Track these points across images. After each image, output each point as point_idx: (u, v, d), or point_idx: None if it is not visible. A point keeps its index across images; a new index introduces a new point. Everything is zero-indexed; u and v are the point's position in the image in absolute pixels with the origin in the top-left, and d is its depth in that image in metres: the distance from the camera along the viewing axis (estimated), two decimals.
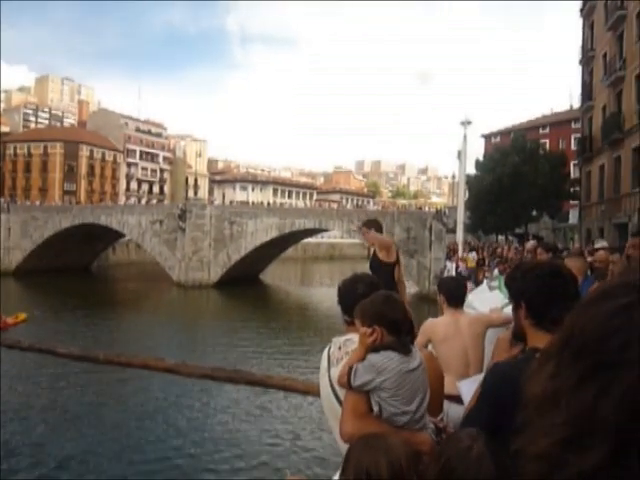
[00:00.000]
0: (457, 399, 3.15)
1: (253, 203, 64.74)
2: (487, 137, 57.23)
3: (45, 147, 74.24)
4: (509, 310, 3.62)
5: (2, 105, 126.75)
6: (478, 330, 3.46)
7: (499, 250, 18.38)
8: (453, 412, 3.13)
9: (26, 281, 42.46)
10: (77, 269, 48.49)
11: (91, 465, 9.93)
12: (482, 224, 36.82)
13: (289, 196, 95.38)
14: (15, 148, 75.44)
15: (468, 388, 2.09)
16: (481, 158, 40.31)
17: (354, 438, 1.79)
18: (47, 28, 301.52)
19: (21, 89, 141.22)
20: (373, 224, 4.71)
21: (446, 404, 3.04)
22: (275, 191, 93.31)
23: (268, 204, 61.28)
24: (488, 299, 3.94)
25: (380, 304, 1.88)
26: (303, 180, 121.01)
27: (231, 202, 67.95)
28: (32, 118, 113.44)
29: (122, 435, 11.35)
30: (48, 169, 73.65)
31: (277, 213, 44.01)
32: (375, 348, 1.84)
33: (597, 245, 7.29)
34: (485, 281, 7.85)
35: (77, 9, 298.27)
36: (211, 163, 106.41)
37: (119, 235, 49.81)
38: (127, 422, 12.13)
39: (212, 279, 40.96)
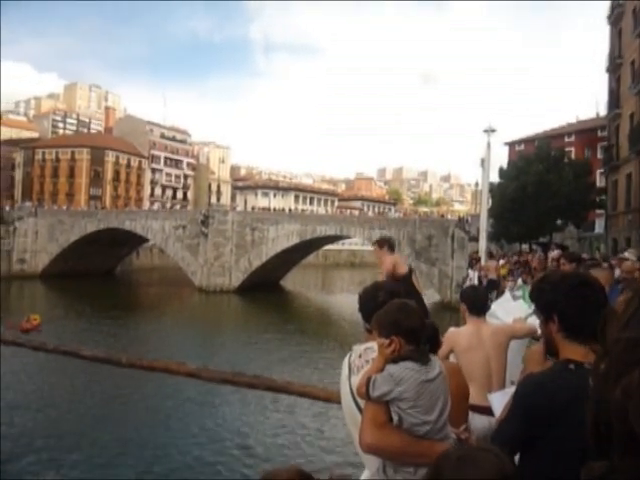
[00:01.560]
0: (480, 409, 3.11)
1: (275, 209, 65.05)
2: (511, 145, 56.51)
3: (72, 153, 76.02)
4: (533, 320, 3.57)
5: (32, 112, 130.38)
6: (501, 340, 3.43)
7: (523, 259, 18.08)
8: (477, 423, 3.09)
9: (52, 284, 43.42)
10: (101, 273, 49.41)
11: (110, 466, 10.06)
12: (505, 232, 36.28)
13: (310, 203, 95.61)
14: (44, 153, 77.43)
15: (499, 400, 2.06)
16: (505, 166, 39.82)
17: (373, 448, 1.78)
18: (76, 36, 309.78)
19: (50, 96, 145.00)
20: (385, 243, 4.72)
21: (470, 415, 3.00)
22: (297, 197, 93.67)
23: (290, 210, 61.53)
24: (512, 309, 3.89)
25: (395, 312, 1.87)
26: (324, 187, 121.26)
27: (253, 208, 68.48)
28: (60, 124, 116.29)
29: (142, 437, 11.48)
30: (75, 174, 75.35)
31: (298, 219, 44.18)
32: (393, 359, 1.83)
33: (625, 255, 7.12)
34: (507, 290, 7.73)
35: (104, 18, 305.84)
36: (234, 169, 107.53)
37: (143, 240, 50.61)
38: (148, 425, 12.28)
39: (233, 284, 41.26)
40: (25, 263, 47.76)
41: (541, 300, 1.86)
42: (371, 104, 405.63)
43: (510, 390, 2.03)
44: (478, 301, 3.65)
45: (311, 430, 12.06)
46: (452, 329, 3.52)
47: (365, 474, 1.93)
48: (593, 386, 0.55)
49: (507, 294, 4.33)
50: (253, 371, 4.75)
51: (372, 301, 2.15)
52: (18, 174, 78.69)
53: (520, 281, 10.56)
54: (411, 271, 4.59)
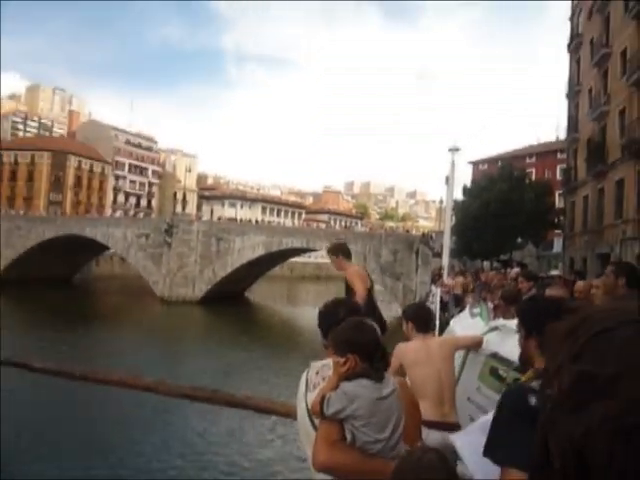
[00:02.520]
0: (434, 425, 3.14)
1: (241, 220, 64.61)
2: (475, 164, 58.11)
3: (32, 156, 73.67)
4: (490, 337, 3.64)
5: None
6: (447, 352, 3.48)
7: (483, 276, 18.48)
8: (431, 438, 3.11)
9: (6, 291, 41.63)
10: (59, 280, 47.76)
11: None
12: (468, 249, 37.13)
13: (278, 214, 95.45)
14: (1, 156, 74.77)
15: (464, 442, 1.83)
16: (469, 184, 40.88)
17: (326, 466, 1.76)
18: (43, 37, 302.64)
19: (11, 97, 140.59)
20: (339, 250, 4.54)
21: (424, 431, 3.02)
22: (264, 209, 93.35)
23: (256, 222, 61.23)
24: (470, 326, 3.95)
25: (351, 331, 1.87)
26: (292, 199, 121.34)
27: (219, 218, 67.80)
28: (21, 126, 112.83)
29: (90, 452, 11.07)
30: (34, 178, 72.98)
31: (265, 231, 43.99)
32: (348, 377, 1.83)
33: (552, 273, 7.46)
34: (467, 307, 7.88)
35: (75, 21, 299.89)
36: (201, 178, 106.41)
37: (103, 248, 49.30)
38: (98, 440, 11.85)
39: (197, 295, 40.59)
40: None
41: (526, 319, 2.07)
42: (340, 118, 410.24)
43: (471, 428, 1.95)
44: (425, 318, 3.70)
45: (268, 446, 11.91)
46: (400, 344, 3.54)
47: None
48: (545, 411, 0.54)
49: (466, 311, 4.41)
50: (213, 385, 4.66)
51: (332, 317, 2.15)
52: None
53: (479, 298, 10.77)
54: (372, 283, 4.53)
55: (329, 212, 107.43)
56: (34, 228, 47.58)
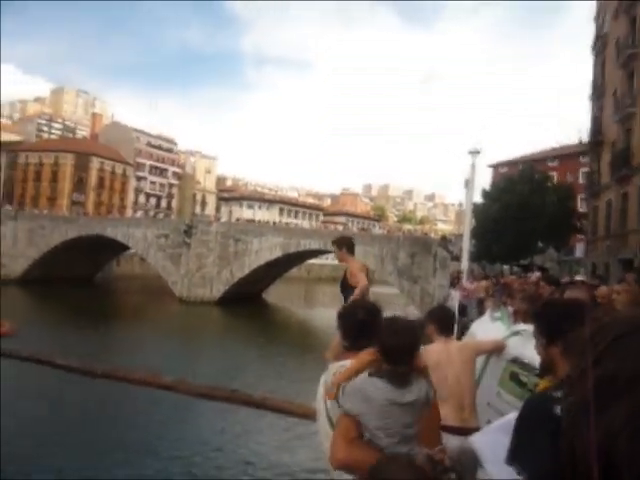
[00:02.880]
0: (453, 430, 3.10)
1: (259, 222, 64.94)
2: (495, 167, 57.50)
3: (56, 157, 75.16)
4: (511, 342, 3.60)
5: (17, 114, 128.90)
6: (468, 356, 3.44)
7: (503, 280, 18.27)
8: (449, 444, 3.08)
9: (30, 289, 42.56)
10: (81, 280, 48.59)
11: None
12: (487, 253, 36.72)
13: (295, 216, 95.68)
14: (27, 157, 76.44)
15: (483, 442, 1.80)
16: (488, 188, 40.44)
17: (344, 463, 1.76)
18: (66, 41, 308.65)
19: (37, 99, 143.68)
20: (344, 243, 4.63)
21: (444, 437, 2.99)
22: (281, 211, 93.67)
23: (274, 223, 61.47)
24: (490, 330, 3.91)
25: (384, 331, 1.87)
26: (310, 201, 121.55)
27: (237, 220, 68.24)
28: (45, 128, 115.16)
29: (110, 449, 11.23)
30: (58, 179, 74.45)
31: (282, 233, 44.13)
32: (370, 373, 1.82)
33: (576, 278, 7.30)
34: (488, 311, 7.78)
35: (97, 25, 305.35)
36: (220, 180, 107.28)
37: (124, 248, 50.01)
38: (118, 437, 12.01)
39: (214, 296, 40.90)
40: (3, 267, 46.80)
41: (547, 324, 1.97)
42: (358, 120, 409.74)
43: (491, 428, 1.88)
44: (448, 321, 3.67)
45: (286, 447, 11.93)
46: (422, 346, 3.53)
47: None
48: (566, 420, 0.55)
49: (486, 315, 4.36)
50: (231, 384, 4.69)
51: (351, 319, 2.16)
52: (0, 176, 77.49)
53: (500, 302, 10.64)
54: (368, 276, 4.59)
55: (347, 214, 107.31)
56: (57, 228, 48.50)
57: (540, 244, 36.39)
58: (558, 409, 1.42)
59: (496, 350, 3.52)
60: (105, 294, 47.50)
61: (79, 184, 75.14)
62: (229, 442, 12.26)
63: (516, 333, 3.61)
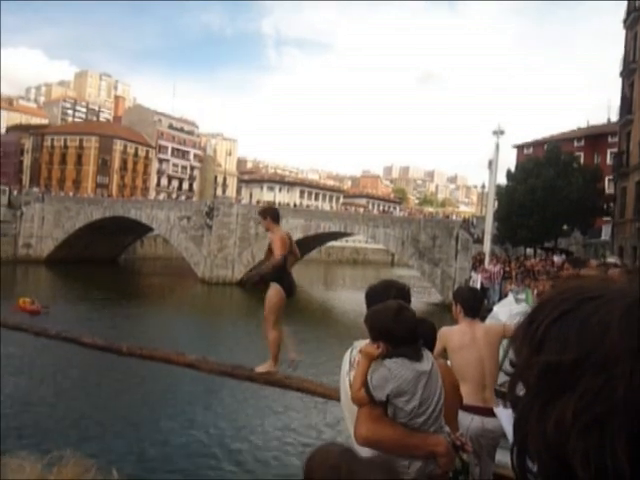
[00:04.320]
0: (474, 410, 3.10)
1: (279, 204, 65.04)
2: (519, 148, 56.23)
3: (81, 140, 76.20)
4: None
5: (42, 98, 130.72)
6: (493, 339, 3.41)
7: (527, 263, 18.03)
8: (471, 423, 3.08)
9: (56, 269, 43.63)
10: (105, 260, 49.59)
11: (102, 453, 10.12)
12: (511, 236, 36.17)
13: (315, 198, 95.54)
14: (52, 140, 77.65)
15: (509, 415, 1.93)
16: (512, 169, 39.65)
17: (369, 441, 1.77)
18: (89, 25, 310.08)
19: (61, 83, 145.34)
20: (268, 213, 4.82)
21: (465, 416, 2.99)
22: (302, 193, 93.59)
23: (294, 205, 61.53)
24: (514, 312, 3.86)
25: (390, 321, 1.85)
26: (330, 183, 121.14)
27: (258, 202, 68.42)
28: (70, 111, 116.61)
29: (136, 425, 11.54)
30: (83, 162, 75.56)
31: (303, 215, 44.17)
32: (388, 354, 1.83)
33: (609, 260, 7.11)
34: (511, 293, 7.69)
35: (119, 8, 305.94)
36: (240, 162, 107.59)
37: (148, 229, 50.73)
38: (142, 414, 12.34)
39: (236, 277, 41.32)
40: (30, 248, 47.99)
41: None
42: (380, 101, 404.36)
43: None
44: (475, 302, 3.62)
45: (305, 425, 12.10)
46: (444, 328, 3.49)
47: None
48: (517, 413, 0.48)
49: (510, 297, 4.29)
50: (252, 364, 4.76)
51: (382, 298, 2.12)
52: (27, 159, 78.95)
53: (523, 285, 10.51)
54: (293, 249, 4.73)
55: (367, 196, 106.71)
56: (82, 210, 49.39)
57: (565, 226, 35.65)
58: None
59: None
60: (129, 275, 48.42)
61: (103, 166, 76.18)
62: (250, 420, 12.48)
63: None
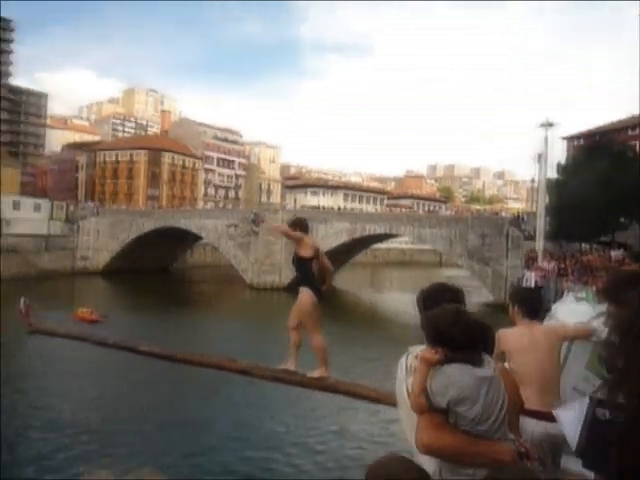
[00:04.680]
0: (537, 414, 2.98)
1: (324, 208, 65.32)
2: (569, 139, 54.10)
3: (131, 155, 79.29)
4: (598, 323, 3.36)
5: (94, 116, 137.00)
6: (554, 342, 3.25)
7: (584, 259, 17.28)
8: (534, 428, 2.96)
9: (112, 280, 45.49)
10: (158, 270, 51.25)
11: (156, 457, 10.40)
12: (564, 231, 34.80)
13: (359, 201, 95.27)
14: (105, 156, 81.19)
15: (567, 417, 1.85)
16: (563, 161, 38.18)
17: (431, 449, 1.72)
18: (134, 43, 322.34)
19: (111, 101, 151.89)
20: (297, 224, 5.00)
21: (528, 421, 2.87)
22: (346, 196, 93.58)
23: (339, 209, 61.61)
24: (574, 311, 3.67)
25: (449, 325, 1.80)
26: (373, 185, 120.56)
27: (302, 207, 69.02)
28: (120, 127, 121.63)
29: (190, 429, 11.81)
30: (134, 175, 78.58)
31: (347, 218, 44.13)
32: (447, 360, 1.77)
33: None
34: (569, 292, 7.36)
35: (162, 24, 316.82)
36: (284, 169, 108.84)
37: (197, 238, 52.11)
38: (197, 419, 12.61)
39: (283, 282, 41.73)
40: (88, 260, 50.24)
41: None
42: (422, 100, 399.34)
43: (574, 404, 1.86)
44: (534, 303, 3.47)
45: (358, 430, 12.02)
46: (502, 330, 3.36)
47: None
48: (621, 427, 0.47)
49: (570, 296, 4.09)
50: (305, 369, 4.77)
51: (437, 302, 2.06)
52: (81, 175, 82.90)
53: (581, 282, 10.07)
54: (317, 253, 4.81)
55: (412, 197, 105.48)
56: (135, 222, 51.30)
57: (622, 219, 33.95)
58: (604, 412, 1.30)
59: (585, 336, 3.31)
60: (181, 283, 49.83)
61: (153, 179, 78.91)
62: (304, 425, 12.52)
63: (603, 314, 3.37)
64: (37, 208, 51.53)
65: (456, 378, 1.73)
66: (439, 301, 2.01)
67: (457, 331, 1.79)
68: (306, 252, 4.76)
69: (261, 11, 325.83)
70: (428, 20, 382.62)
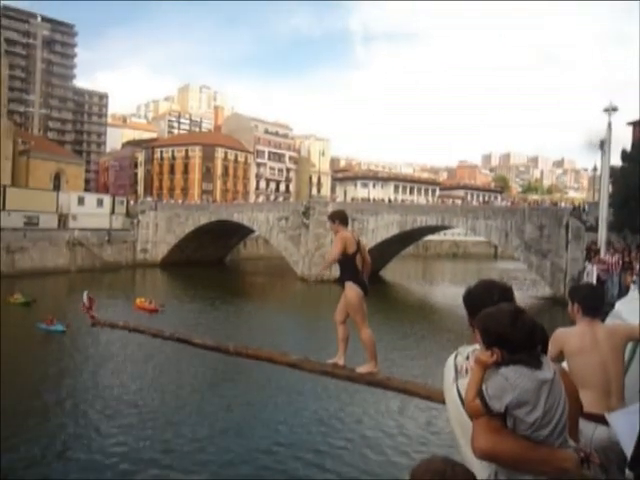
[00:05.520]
0: (598, 419, 2.83)
1: (374, 200, 64.79)
2: (635, 125, 50.89)
3: (186, 151, 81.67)
4: None
5: (151, 114, 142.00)
6: (618, 342, 3.06)
7: None
8: (595, 433, 2.81)
9: (170, 271, 47.22)
10: (213, 262, 52.74)
11: (207, 450, 10.70)
12: (629, 222, 32.87)
13: (410, 192, 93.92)
14: (161, 152, 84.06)
15: (622, 421, 1.76)
16: (628, 148, 36.00)
17: (489, 454, 1.66)
18: (187, 40, 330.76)
19: (166, 98, 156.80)
20: (337, 217, 4.92)
21: (588, 425, 2.73)
22: (396, 188, 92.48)
23: (389, 201, 60.95)
24: (638, 309, 3.46)
25: (507, 325, 1.72)
26: (425, 176, 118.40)
27: (352, 199, 68.79)
28: (175, 124, 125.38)
29: (240, 421, 12.08)
30: (189, 170, 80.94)
31: (398, 210, 43.62)
32: (504, 362, 1.70)
33: None
34: (633, 287, 6.94)
35: (213, 21, 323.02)
36: (333, 161, 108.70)
37: (249, 231, 53.16)
38: (248, 411, 12.89)
39: (334, 275, 41.75)
40: (147, 253, 52.36)
41: None
42: (476, 86, 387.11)
43: (633, 408, 1.75)
44: (597, 301, 3.28)
45: (411, 427, 11.90)
46: (561, 329, 3.20)
47: None
48: None
49: (634, 292, 3.85)
50: (354, 364, 4.76)
51: (485, 301, 1.99)
52: (140, 172, 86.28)
53: None
54: (359, 247, 4.76)
55: (465, 187, 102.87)
56: (191, 215, 52.95)
57: None
58: None
59: None
60: (234, 274, 51.04)
61: (207, 174, 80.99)
62: (351, 420, 12.54)
63: None
64: (100, 203, 54.12)
65: (513, 381, 1.67)
66: (488, 301, 1.93)
67: (515, 332, 1.71)
68: (349, 248, 4.71)
69: (310, 4, 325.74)
70: (483, 9, 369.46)
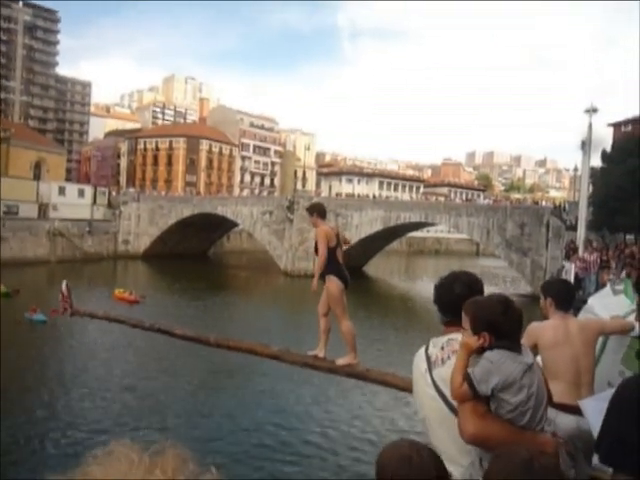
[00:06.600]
0: (568, 408, 2.93)
1: (359, 196, 64.94)
2: (616, 126, 51.80)
3: (170, 142, 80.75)
4: (632, 317, 3.26)
5: (135, 104, 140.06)
6: (590, 336, 3.17)
7: (628, 251, 16.64)
8: (565, 422, 2.90)
9: (152, 264, 46.78)
10: (196, 255, 52.37)
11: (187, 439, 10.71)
12: (608, 222, 33.52)
13: (395, 189, 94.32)
14: (145, 143, 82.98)
15: (593, 408, 1.84)
16: (608, 149, 36.66)
17: (477, 438, 1.71)
18: (175, 33, 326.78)
19: (151, 89, 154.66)
20: (315, 209, 4.97)
21: (555, 413, 2.82)
22: (381, 184, 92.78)
23: (374, 197, 61.18)
24: (611, 304, 3.56)
25: (498, 314, 1.79)
26: (410, 173, 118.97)
27: (337, 195, 68.84)
28: (160, 115, 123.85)
29: (226, 415, 12.10)
30: (173, 162, 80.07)
31: (382, 206, 43.82)
32: (489, 347, 1.77)
33: None
34: (608, 284, 7.10)
35: (201, 13, 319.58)
36: (319, 156, 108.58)
37: (233, 224, 52.88)
38: (231, 403, 12.90)
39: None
40: (129, 244, 51.78)
41: None
42: (460, 84, 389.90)
43: (604, 395, 1.84)
44: (568, 295, 3.38)
45: (387, 418, 12.05)
46: (535, 323, 3.29)
47: (456, 468, 1.81)
48: None
49: (607, 288, 3.96)
50: (334, 356, 4.81)
51: (449, 293, 2.07)
52: (123, 162, 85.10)
53: (624, 274, 9.73)
54: (339, 242, 4.85)
55: (449, 185, 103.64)
56: (174, 208, 52.46)
57: None
58: None
59: (623, 332, 3.21)
60: (217, 268, 50.78)
61: (191, 166, 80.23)
62: (330, 411, 12.64)
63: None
64: (81, 194, 53.30)
65: (499, 365, 1.73)
66: (451, 291, 2.02)
67: (506, 321, 1.78)
68: (330, 242, 4.75)
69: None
70: (474, 8, 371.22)
